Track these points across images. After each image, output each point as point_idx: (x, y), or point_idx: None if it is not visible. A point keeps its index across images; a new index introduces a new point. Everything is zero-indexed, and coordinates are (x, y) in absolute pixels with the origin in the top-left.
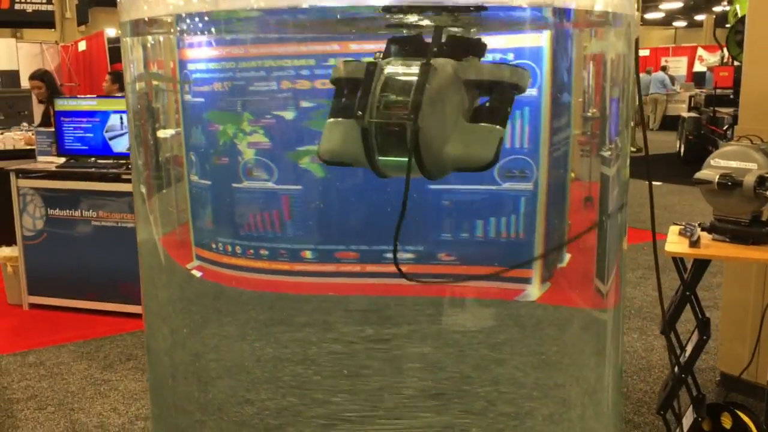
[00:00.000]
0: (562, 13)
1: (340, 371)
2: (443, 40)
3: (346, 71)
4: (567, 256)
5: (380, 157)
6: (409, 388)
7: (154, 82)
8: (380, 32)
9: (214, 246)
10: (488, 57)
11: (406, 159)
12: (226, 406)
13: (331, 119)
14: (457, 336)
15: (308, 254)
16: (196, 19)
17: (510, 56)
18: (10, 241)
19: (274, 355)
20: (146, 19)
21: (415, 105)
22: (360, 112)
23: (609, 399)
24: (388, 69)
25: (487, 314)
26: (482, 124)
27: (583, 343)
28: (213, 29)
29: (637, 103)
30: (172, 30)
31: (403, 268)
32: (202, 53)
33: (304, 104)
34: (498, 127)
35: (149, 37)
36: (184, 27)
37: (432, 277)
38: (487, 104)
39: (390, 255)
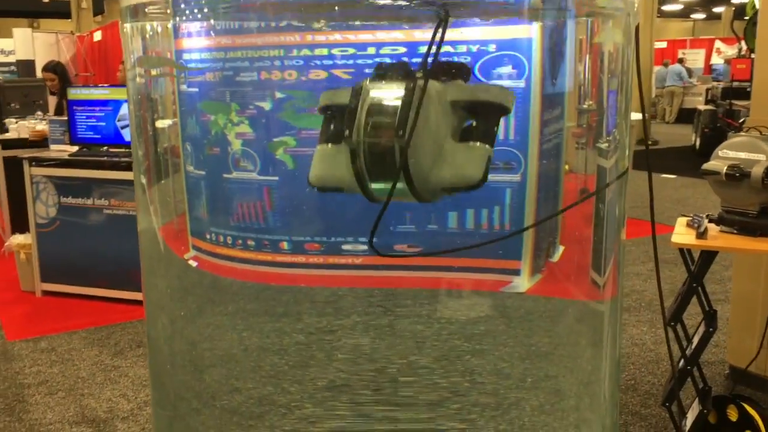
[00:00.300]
0: (555, 0)
1: (305, 361)
2: (429, 64)
3: (332, 98)
4: (560, 249)
5: (371, 182)
6: (358, 378)
7: (153, 71)
8: (369, 18)
9: (208, 236)
10: (473, 48)
11: (396, 181)
12: (218, 394)
13: (320, 145)
14: (419, 327)
15: (285, 245)
16: (192, 3)
17: (492, 47)
18: (23, 229)
19: (258, 345)
20: (144, 3)
21: (401, 125)
22: (348, 135)
23: (606, 390)
24: (374, 92)
25: (463, 304)
26: (470, 143)
27: (577, 335)
28: (206, 16)
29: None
30: (168, 11)
31: (358, 260)
32: (196, 42)
33: (279, 95)
34: (486, 146)
35: (147, 24)
36: (180, 13)
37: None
38: (474, 125)
39: (348, 247)
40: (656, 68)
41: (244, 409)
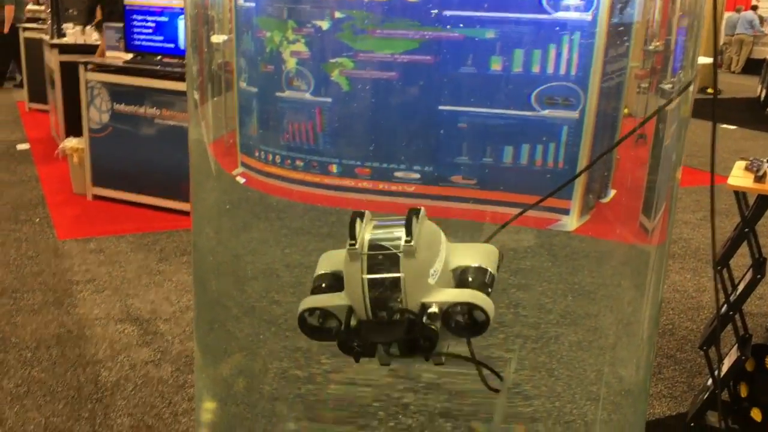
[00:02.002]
0: None
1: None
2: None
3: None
4: (611, 192)
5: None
6: None
7: None
8: None
9: (257, 154)
10: None
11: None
12: (258, 305)
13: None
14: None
15: (334, 168)
16: None
17: None
18: (77, 133)
19: (300, 262)
20: None
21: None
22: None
23: (644, 332)
24: (368, 275)
25: (511, 239)
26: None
27: (621, 277)
28: None
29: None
30: None
31: (410, 188)
32: None
33: (338, 14)
34: (485, 296)
35: None
36: None
37: (442, 199)
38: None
39: (400, 174)
40: (727, 14)
41: (282, 321)
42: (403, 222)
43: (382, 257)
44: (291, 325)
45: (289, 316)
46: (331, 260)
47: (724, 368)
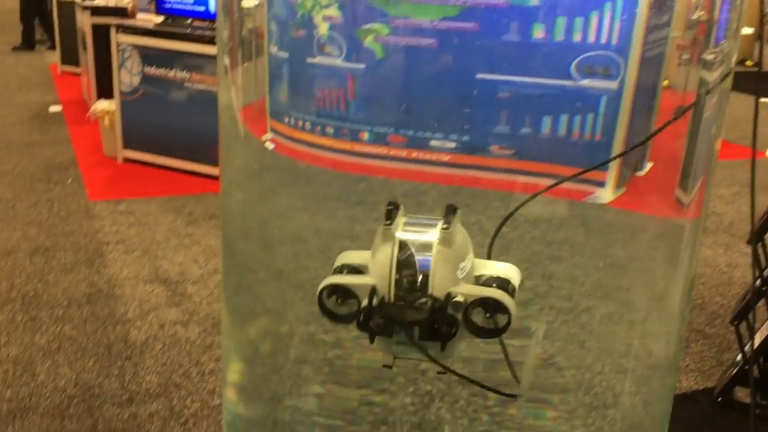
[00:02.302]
0: None
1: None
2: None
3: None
4: (648, 165)
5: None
6: None
7: None
8: None
9: (286, 120)
10: None
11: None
12: (286, 269)
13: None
14: (505, 229)
15: (365, 135)
16: None
17: None
18: (108, 95)
19: (329, 229)
20: None
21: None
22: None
23: (676, 306)
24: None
25: (546, 210)
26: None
27: (654, 250)
28: None
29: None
30: None
31: (445, 158)
32: None
33: None
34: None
35: None
36: None
37: (478, 169)
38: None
39: (435, 143)
40: None
41: (309, 286)
42: (437, 222)
43: (416, 240)
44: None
45: (316, 282)
46: (350, 257)
47: (756, 343)
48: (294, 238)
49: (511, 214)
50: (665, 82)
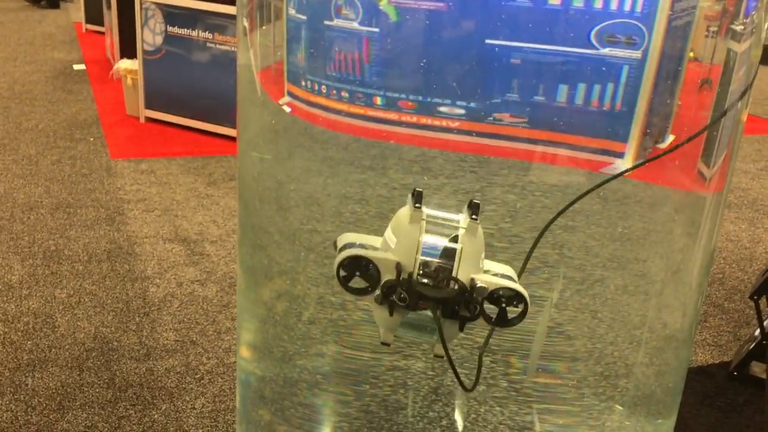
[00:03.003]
0: None
1: (385, 213)
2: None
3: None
4: (670, 137)
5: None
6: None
7: None
8: None
9: (303, 83)
10: None
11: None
12: (299, 232)
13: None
14: (512, 197)
15: (379, 100)
16: None
17: None
18: (131, 54)
19: (341, 193)
20: None
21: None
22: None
23: (693, 280)
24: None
25: (560, 180)
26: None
27: (673, 223)
28: None
29: None
30: None
31: (454, 124)
32: None
33: None
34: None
35: None
36: None
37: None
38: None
39: (444, 110)
40: None
41: (321, 248)
42: (457, 215)
43: (445, 225)
44: (329, 254)
45: (327, 245)
46: (353, 238)
47: None
48: (307, 202)
49: (564, 210)
50: (691, 54)
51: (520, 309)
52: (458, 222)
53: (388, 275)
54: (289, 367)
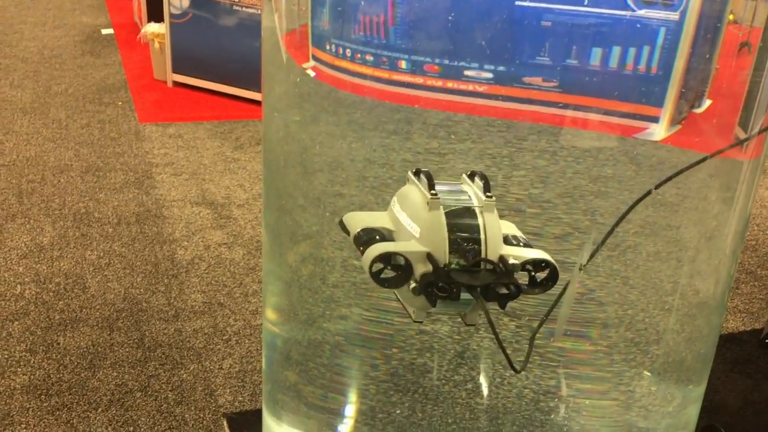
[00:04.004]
0: None
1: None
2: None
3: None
4: (707, 102)
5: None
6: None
7: None
8: None
9: (328, 47)
10: None
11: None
12: (323, 196)
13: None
14: (542, 162)
15: (403, 64)
16: None
17: None
18: (158, 18)
19: (365, 157)
20: None
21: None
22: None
23: (728, 246)
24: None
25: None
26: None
27: (708, 189)
28: None
29: None
30: None
31: (480, 88)
32: None
33: None
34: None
35: None
36: None
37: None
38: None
39: (470, 73)
40: None
41: (344, 212)
42: (463, 187)
43: (464, 209)
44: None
45: (351, 209)
46: (365, 220)
47: None
48: (332, 166)
49: (631, 208)
50: (730, 16)
51: (546, 273)
52: (470, 199)
53: (420, 266)
54: (313, 329)
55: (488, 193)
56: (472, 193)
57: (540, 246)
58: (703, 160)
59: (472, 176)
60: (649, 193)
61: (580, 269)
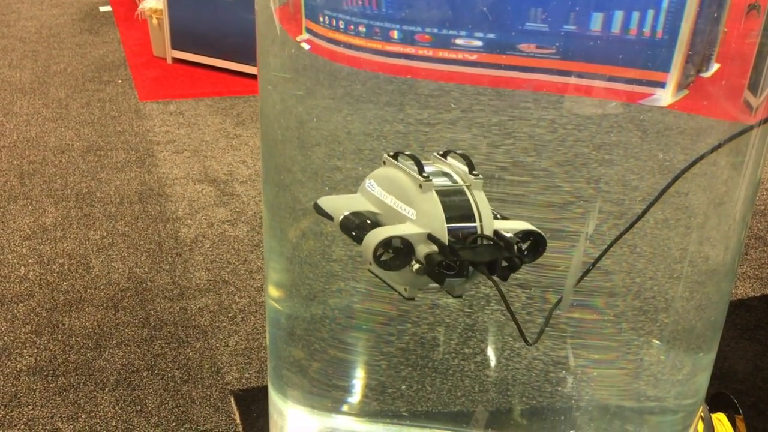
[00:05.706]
0: None
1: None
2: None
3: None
4: (715, 66)
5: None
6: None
7: None
8: None
9: (321, 19)
10: None
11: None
12: (321, 170)
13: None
14: (539, 131)
15: (395, 34)
16: None
17: None
18: None
19: (361, 130)
20: None
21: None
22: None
23: (737, 212)
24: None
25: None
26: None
27: (717, 155)
28: None
29: None
30: None
31: (471, 57)
32: None
33: None
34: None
35: None
36: None
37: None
38: None
39: (461, 42)
40: None
41: (342, 186)
42: (440, 166)
43: (454, 188)
44: (349, 191)
45: (348, 182)
46: (346, 203)
47: None
48: (328, 140)
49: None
50: None
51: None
52: (455, 177)
53: (422, 247)
54: (315, 304)
55: (474, 171)
56: (452, 172)
57: (536, 216)
58: (710, 152)
59: (445, 155)
60: (675, 180)
61: (587, 238)
